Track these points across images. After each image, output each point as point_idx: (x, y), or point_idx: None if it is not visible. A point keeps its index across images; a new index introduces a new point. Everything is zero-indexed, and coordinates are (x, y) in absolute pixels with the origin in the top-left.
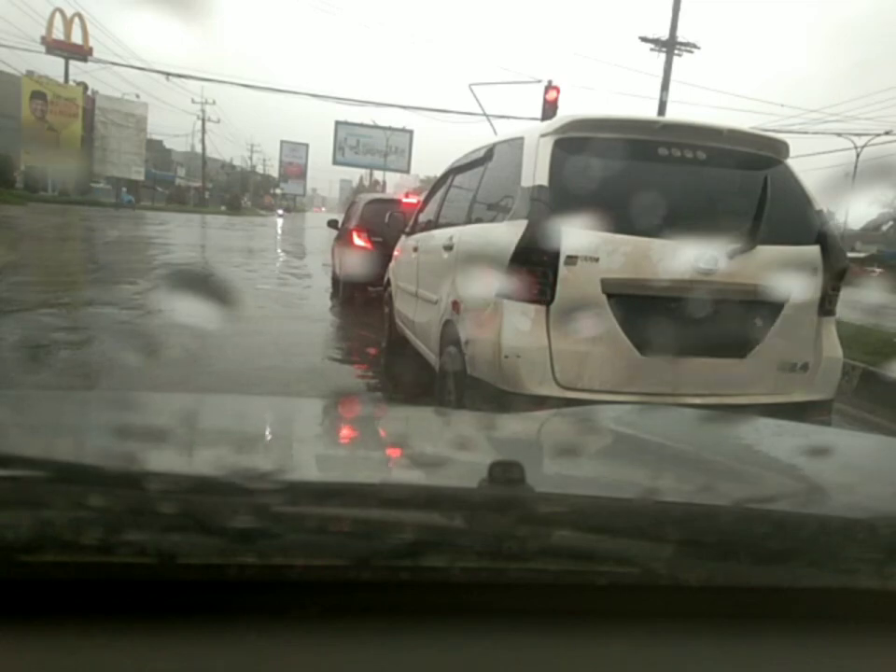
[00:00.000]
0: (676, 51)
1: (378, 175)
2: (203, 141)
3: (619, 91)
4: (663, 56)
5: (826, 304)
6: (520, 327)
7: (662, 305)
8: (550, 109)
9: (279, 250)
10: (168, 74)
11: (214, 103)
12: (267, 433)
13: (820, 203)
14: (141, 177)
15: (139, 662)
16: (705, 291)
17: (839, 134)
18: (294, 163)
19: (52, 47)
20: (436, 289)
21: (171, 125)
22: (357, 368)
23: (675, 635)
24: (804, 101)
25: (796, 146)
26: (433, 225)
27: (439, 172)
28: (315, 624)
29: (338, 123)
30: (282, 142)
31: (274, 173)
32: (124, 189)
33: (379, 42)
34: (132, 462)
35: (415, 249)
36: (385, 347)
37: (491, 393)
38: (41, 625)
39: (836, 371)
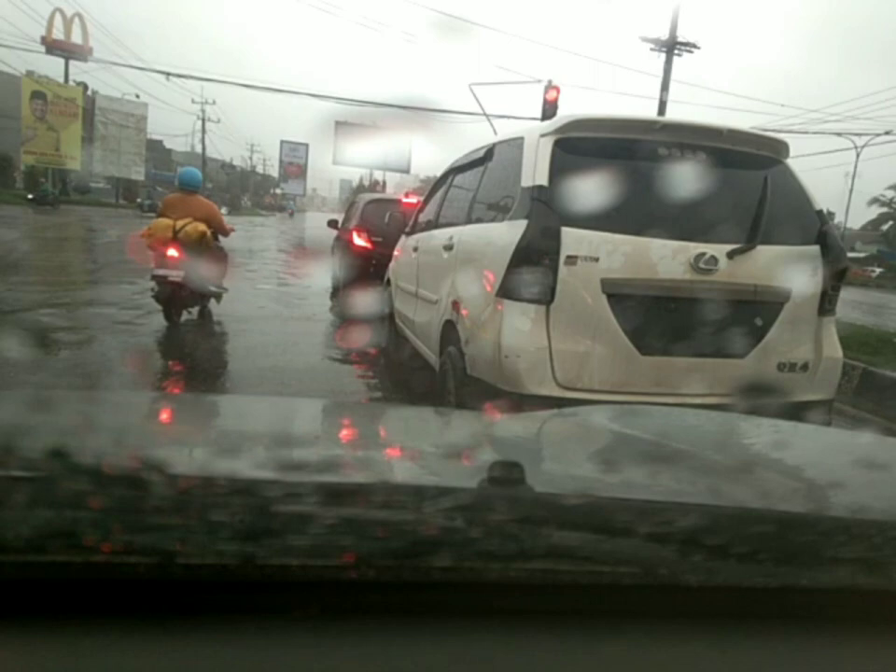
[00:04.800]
0: (676, 51)
1: (378, 174)
2: (202, 141)
3: (619, 90)
4: (663, 56)
5: (826, 304)
6: (520, 327)
7: (662, 305)
8: (550, 109)
9: None
10: (168, 74)
11: (214, 103)
12: (267, 433)
13: (820, 202)
14: (141, 177)
15: (139, 662)
16: (705, 291)
17: (839, 134)
18: (294, 163)
19: (52, 47)
20: (436, 289)
21: (171, 125)
22: (357, 368)
23: (675, 635)
24: (804, 101)
25: (796, 146)
26: (433, 225)
27: (439, 172)
28: (316, 624)
29: (338, 123)
30: (282, 142)
31: (274, 173)
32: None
33: (379, 42)
34: (132, 462)
35: (415, 249)
36: (385, 347)
37: (491, 393)
38: (41, 625)
39: (836, 371)
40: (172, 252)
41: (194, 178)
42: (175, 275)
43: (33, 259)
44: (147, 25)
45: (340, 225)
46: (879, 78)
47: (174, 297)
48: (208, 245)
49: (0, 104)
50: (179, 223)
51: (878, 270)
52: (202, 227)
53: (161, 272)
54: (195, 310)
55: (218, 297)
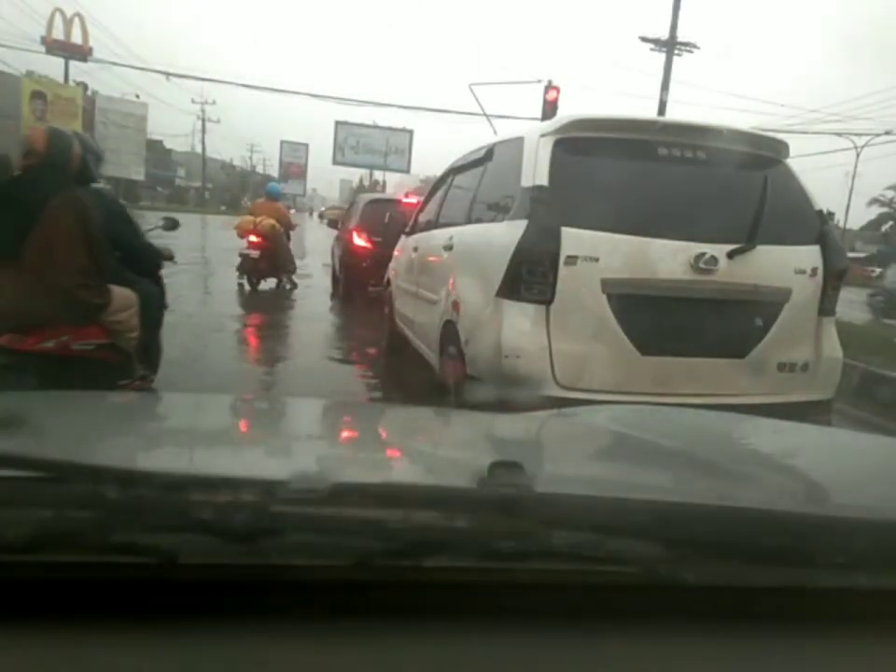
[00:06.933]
0: (676, 51)
1: (378, 174)
2: (202, 141)
3: (619, 90)
4: (663, 56)
5: (826, 304)
6: (520, 327)
7: (662, 305)
8: (550, 109)
9: None
10: (168, 74)
11: (214, 103)
12: (267, 433)
13: (820, 202)
14: (141, 177)
15: (139, 662)
16: (705, 291)
17: (839, 134)
18: (294, 163)
19: (52, 47)
20: (436, 289)
21: (171, 125)
22: (357, 368)
23: (675, 635)
24: (804, 101)
25: (796, 146)
26: (433, 225)
27: (439, 172)
28: (316, 624)
29: (338, 123)
30: (282, 142)
31: (274, 173)
32: None
33: (380, 41)
34: (132, 462)
35: (415, 249)
36: (385, 347)
37: (491, 393)
38: (41, 625)
39: (836, 371)
40: (252, 238)
41: (275, 191)
42: (254, 254)
43: None
44: (147, 25)
45: (340, 225)
46: (879, 78)
47: (254, 268)
48: (278, 235)
49: (0, 104)
50: (258, 219)
51: (878, 270)
52: (272, 222)
53: (245, 251)
54: (272, 281)
55: (288, 273)
